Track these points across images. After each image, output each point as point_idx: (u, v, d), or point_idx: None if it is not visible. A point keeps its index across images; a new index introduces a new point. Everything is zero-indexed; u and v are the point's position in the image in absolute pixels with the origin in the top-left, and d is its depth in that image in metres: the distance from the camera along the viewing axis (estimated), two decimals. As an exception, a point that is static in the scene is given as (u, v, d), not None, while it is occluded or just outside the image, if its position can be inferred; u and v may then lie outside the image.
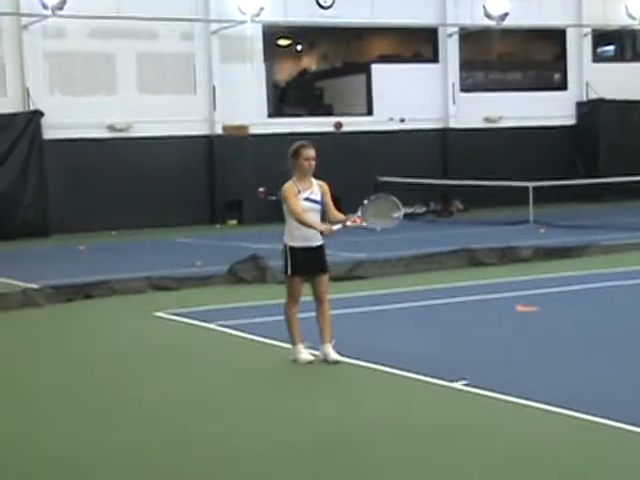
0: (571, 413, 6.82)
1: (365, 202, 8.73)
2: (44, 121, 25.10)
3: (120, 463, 6.27)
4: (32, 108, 25.08)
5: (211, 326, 10.89)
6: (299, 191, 8.67)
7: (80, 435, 6.94)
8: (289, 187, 8.69)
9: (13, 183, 24.87)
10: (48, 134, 25.15)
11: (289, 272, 8.78)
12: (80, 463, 6.28)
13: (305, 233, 8.69)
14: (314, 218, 8.68)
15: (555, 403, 7.04)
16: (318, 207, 8.72)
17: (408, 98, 28.88)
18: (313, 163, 8.69)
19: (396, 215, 8.83)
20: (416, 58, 30.58)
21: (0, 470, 6.19)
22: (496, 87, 30.83)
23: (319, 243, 8.79)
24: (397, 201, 8.88)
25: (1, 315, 12.28)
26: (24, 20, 25.06)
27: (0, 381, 8.88)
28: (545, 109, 30.41)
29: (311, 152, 8.70)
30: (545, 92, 31.22)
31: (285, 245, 8.80)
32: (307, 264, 8.74)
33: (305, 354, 8.80)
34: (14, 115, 24.98)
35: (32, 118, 25.02)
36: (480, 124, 30.04)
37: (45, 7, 24.21)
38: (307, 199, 8.68)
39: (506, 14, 28.52)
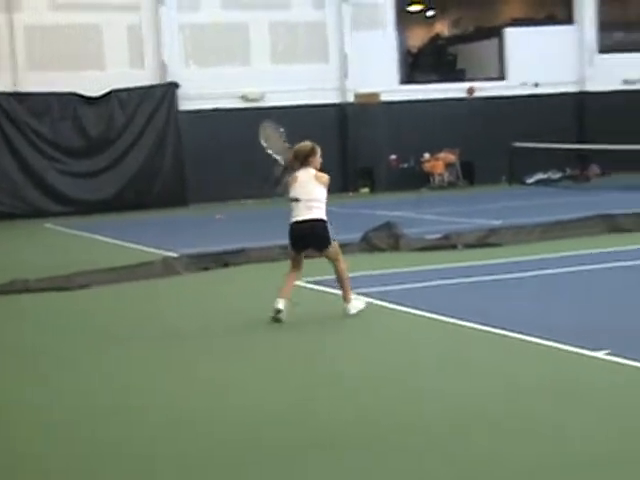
0: None
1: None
2: (180, 92, 25.67)
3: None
4: (168, 80, 25.67)
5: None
6: None
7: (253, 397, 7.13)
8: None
9: (151, 154, 25.56)
10: (183, 105, 25.71)
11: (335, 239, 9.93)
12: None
13: None
14: None
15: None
16: None
17: (542, 62, 28.29)
18: None
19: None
20: (550, 20, 29.90)
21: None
22: (636, 48, 29.85)
23: None
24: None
25: (144, 283, 12.66)
26: (160, -6, 25.62)
27: (155, 348, 9.17)
28: (689, 70, 29.34)
29: None
30: (689, 52, 30.10)
31: (327, 222, 10.01)
32: None
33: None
34: (151, 87, 25.64)
35: (168, 90, 25.63)
36: (619, 86, 29.20)
37: (180, -19, 24.71)
38: None
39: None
